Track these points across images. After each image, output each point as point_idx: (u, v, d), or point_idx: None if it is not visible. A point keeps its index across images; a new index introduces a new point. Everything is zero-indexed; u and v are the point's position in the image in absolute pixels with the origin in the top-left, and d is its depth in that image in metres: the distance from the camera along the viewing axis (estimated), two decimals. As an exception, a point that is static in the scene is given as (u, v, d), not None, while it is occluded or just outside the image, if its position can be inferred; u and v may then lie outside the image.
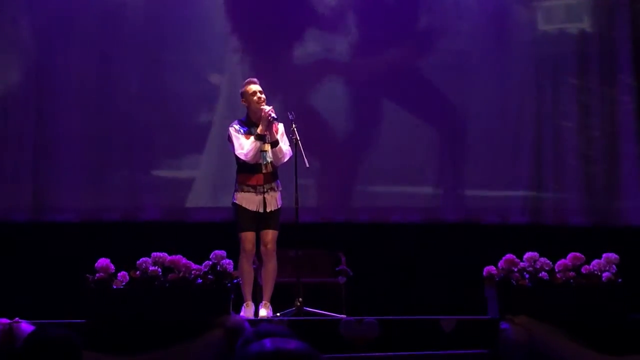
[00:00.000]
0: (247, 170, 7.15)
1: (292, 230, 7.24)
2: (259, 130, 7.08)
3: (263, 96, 7.23)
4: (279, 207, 7.17)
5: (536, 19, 9.66)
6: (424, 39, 9.56)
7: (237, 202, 7.15)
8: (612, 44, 9.55)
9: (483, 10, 9.56)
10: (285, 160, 7.22)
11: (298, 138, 7.21)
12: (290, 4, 9.51)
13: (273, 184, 7.17)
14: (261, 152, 7.13)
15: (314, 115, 9.33)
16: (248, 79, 7.41)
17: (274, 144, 7.13)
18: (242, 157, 7.10)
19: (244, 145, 7.11)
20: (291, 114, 7.33)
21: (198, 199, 9.11)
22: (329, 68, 9.41)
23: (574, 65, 9.54)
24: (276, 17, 9.38)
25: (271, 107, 7.14)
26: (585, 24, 9.62)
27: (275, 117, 7.10)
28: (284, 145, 7.19)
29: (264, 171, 7.14)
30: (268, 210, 7.11)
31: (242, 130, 7.16)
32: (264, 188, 7.11)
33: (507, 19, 9.60)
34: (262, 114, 7.08)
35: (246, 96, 7.27)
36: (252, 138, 7.10)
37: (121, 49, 9.14)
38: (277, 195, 7.19)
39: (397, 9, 9.52)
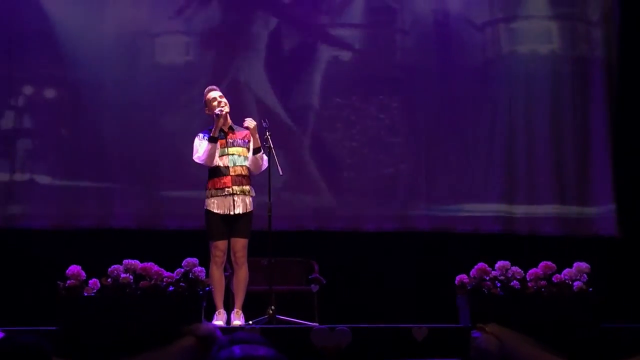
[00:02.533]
0: (215, 175, 7.20)
1: (264, 238, 7.24)
2: (212, 132, 7.15)
3: (224, 100, 7.29)
4: (248, 211, 7.17)
5: (509, 38, 9.75)
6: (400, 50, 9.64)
7: (207, 207, 7.18)
8: (584, 61, 9.65)
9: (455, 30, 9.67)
10: (263, 169, 7.27)
11: (272, 146, 7.24)
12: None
13: (244, 187, 7.17)
14: (228, 155, 7.17)
15: (286, 122, 9.35)
16: (208, 87, 7.45)
17: (256, 150, 7.17)
18: (197, 160, 7.25)
19: (199, 150, 7.22)
20: (265, 121, 7.35)
21: (169, 206, 9.08)
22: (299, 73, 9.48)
23: (546, 81, 9.62)
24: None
25: (226, 111, 7.21)
26: (555, 45, 9.72)
27: (219, 113, 7.13)
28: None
29: (231, 173, 7.17)
30: (236, 212, 7.11)
31: (206, 137, 7.21)
32: (232, 190, 7.13)
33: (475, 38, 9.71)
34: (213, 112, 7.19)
35: (208, 104, 7.35)
36: (205, 141, 7.14)
37: (96, 58, 9.12)
38: (249, 199, 7.20)
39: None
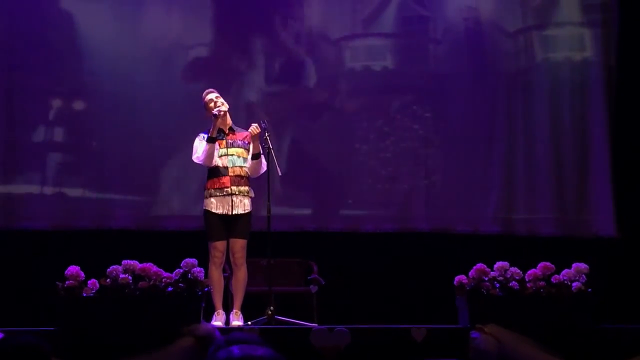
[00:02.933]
0: (214, 175, 7.22)
1: (264, 238, 7.24)
2: (210, 133, 7.16)
3: (220, 100, 7.32)
4: (246, 211, 7.18)
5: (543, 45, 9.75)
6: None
7: (206, 207, 7.19)
8: (585, 66, 9.66)
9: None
10: (262, 172, 7.28)
11: (271, 147, 7.25)
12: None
13: (242, 188, 7.18)
14: (227, 156, 7.18)
15: (287, 124, 9.37)
16: (206, 90, 7.46)
17: (256, 156, 7.18)
18: (196, 160, 7.28)
19: (198, 150, 7.24)
20: (264, 122, 7.36)
21: (169, 207, 9.09)
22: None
23: (546, 85, 9.63)
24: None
25: (223, 110, 7.22)
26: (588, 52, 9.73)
27: (216, 114, 7.14)
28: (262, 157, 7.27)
29: (229, 174, 7.17)
30: (235, 212, 7.11)
31: (205, 138, 7.22)
32: (230, 190, 7.13)
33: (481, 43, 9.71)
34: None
35: (206, 106, 7.37)
36: (204, 142, 7.14)
37: (91, 58, 9.12)
38: (247, 200, 7.20)
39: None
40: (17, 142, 8.99)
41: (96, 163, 9.06)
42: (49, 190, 8.99)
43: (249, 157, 7.26)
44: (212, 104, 7.30)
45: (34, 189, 8.98)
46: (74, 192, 9.01)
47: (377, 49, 9.70)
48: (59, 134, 9.21)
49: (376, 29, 9.73)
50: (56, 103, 9.17)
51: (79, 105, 9.17)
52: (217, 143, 7.21)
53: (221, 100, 7.33)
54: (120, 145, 9.03)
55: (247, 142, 7.27)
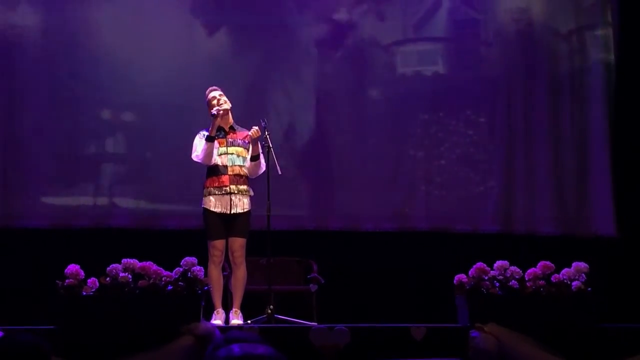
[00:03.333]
0: (213, 173, 7.22)
1: (263, 237, 7.24)
2: (209, 132, 7.16)
3: (223, 99, 7.31)
4: (245, 210, 7.17)
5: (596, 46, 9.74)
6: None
7: (204, 206, 7.20)
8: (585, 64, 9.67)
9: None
10: (261, 172, 7.29)
11: (271, 145, 7.24)
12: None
13: (241, 187, 7.18)
14: (227, 154, 7.18)
15: (288, 123, 9.36)
16: (209, 88, 7.45)
17: (255, 157, 7.18)
18: (195, 159, 7.27)
19: (197, 148, 7.24)
20: (263, 120, 7.36)
21: (169, 205, 9.09)
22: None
23: (546, 80, 9.62)
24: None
25: (223, 110, 7.22)
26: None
27: (215, 113, 7.14)
28: (261, 158, 7.26)
29: (229, 172, 7.18)
30: (233, 211, 7.11)
31: (205, 136, 7.22)
32: (229, 189, 7.14)
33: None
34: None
35: (208, 104, 7.36)
36: (203, 140, 7.14)
37: (93, 52, 9.12)
38: (246, 199, 7.20)
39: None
40: (70, 154, 9.02)
41: (149, 173, 9.11)
42: (102, 200, 9.03)
43: (248, 157, 7.26)
44: (214, 101, 7.29)
45: (87, 200, 9.01)
46: (126, 202, 9.04)
47: (428, 53, 9.68)
48: (110, 145, 9.24)
49: (427, 33, 9.71)
50: (107, 114, 9.19)
51: (129, 116, 9.19)
52: (216, 142, 7.20)
53: (224, 98, 7.32)
54: (170, 155, 8.99)
55: (247, 141, 7.27)
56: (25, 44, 9.05)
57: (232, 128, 7.30)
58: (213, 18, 9.38)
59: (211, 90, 7.41)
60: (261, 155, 7.26)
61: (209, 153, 7.16)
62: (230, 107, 7.32)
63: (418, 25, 9.69)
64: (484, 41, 9.73)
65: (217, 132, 7.21)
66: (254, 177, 7.33)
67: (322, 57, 9.50)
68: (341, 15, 9.59)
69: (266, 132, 7.27)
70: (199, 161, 7.25)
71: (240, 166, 7.22)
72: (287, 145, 9.22)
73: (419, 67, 9.63)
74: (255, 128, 7.17)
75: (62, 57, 9.05)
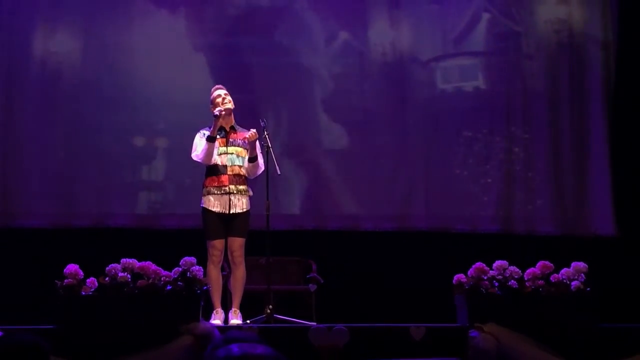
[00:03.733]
0: (213, 173, 7.21)
1: (263, 237, 7.24)
2: (210, 132, 7.15)
3: (228, 98, 7.29)
4: (244, 210, 7.17)
5: None
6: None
7: (204, 205, 7.19)
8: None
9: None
10: (259, 173, 7.28)
11: (270, 145, 7.24)
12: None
13: (241, 187, 7.18)
14: (227, 154, 7.17)
15: (286, 122, 9.36)
16: (215, 86, 7.45)
17: (253, 159, 7.18)
18: (195, 158, 7.26)
19: (197, 148, 7.23)
20: (263, 120, 7.36)
21: (168, 205, 9.09)
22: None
23: (545, 82, 9.63)
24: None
25: (225, 109, 7.21)
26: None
27: (217, 114, 7.13)
28: (260, 159, 7.25)
29: (228, 172, 7.17)
30: (232, 211, 7.11)
31: (206, 136, 7.21)
32: (229, 189, 7.13)
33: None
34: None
35: (212, 102, 7.33)
36: (204, 140, 7.14)
37: (94, 52, 9.13)
38: (246, 199, 7.20)
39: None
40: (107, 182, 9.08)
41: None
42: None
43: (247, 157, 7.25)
44: (218, 99, 7.28)
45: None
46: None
47: (468, 68, 9.65)
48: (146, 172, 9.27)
49: (467, 48, 9.68)
50: (140, 141, 9.23)
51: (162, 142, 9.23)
52: (217, 141, 7.19)
53: (228, 98, 7.30)
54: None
55: (247, 142, 7.26)
56: (64, 69, 9.09)
57: (232, 128, 7.30)
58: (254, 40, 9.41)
59: (217, 89, 7.40)
60: (259, 157, 7.25)
61: (209, 153, 7.15)
62: (232, 107, 7.31)
63: (458, 40, 9.65)
64: (526, 54, 9.65)
65: (217, 131, 7.20)
66: (252, 178, 7.33)
67: (358, 74, 9.50)
68: (377, 31, 9.55)
69: (265, 132, 7.27)
70: (198, 160, 7.24)
71: (240, 166, 7.21)
72: (287, 145, 9.23)
73: (460, 82, 9.59)
74: (253, 131, 7.16)
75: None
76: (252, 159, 7.21)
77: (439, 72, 9.58)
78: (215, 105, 7.28)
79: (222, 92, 7.34)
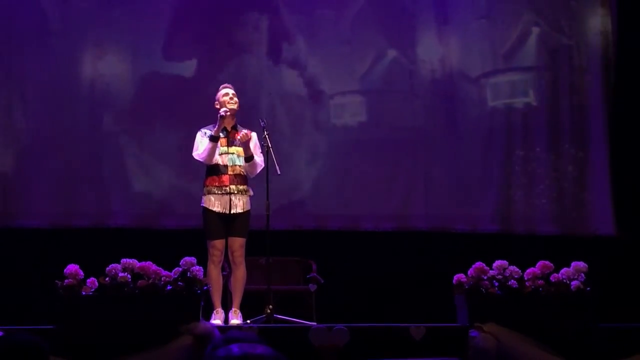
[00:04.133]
0: (213, 173, 7.20)
1: (263, 237, 7.24)
2: (214, 131, 7.14)
3: (235, 99, 7.29)
4: (245, 210, 7.17)
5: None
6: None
7: (204, 205, 7.19)
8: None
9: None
10: (258, 171, 7.27)
11: (270, 145, 7.23)
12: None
13: (241, 187, 7.17)
14: (228, 154, 7.17)
15: (284, 122, 9.36)
16: (223, 84, 7.43)
17: (249, 158, 7.17)
18: (196, 157, 7.24)
19: (199, 147, 7.21)
20: (263, 120, 7.36)
21: (168, 205, 9.09)
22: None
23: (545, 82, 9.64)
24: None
25: (231, 110, 7.22)
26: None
27: (223, 114, 7.12)
28: (258, 157, 7.23)
29: (229, 172, 7.17)
30: (233, 211, 7.11)
31: (208, 134, 7.20)
32: (229, 189, 7.13)
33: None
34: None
35: (219, 98, 7.31)
36: (206, 139, 7.13)
37: (92, 53, 9.13)
38: (246, 198, 7.20)
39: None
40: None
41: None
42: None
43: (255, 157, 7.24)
44: (225, 98, 7.27)
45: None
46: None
47: (519, 84, 9.60)
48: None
49: (518, 63, 9.64)
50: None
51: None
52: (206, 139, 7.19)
53: (235, 99, 7.29)
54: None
55: (238, 142, 7.26)
56: (112, 90, 9.13)
57: (234, 128, 7.28)
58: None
59: (225, 87, 7.38)
60: (257, 155, 7.24)
61: (212, 152, 7.14)
62: (237, 109, 7.30)
63: (508, 56, 9.61)
64: (578, 67, 9.61)
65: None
66: (252, 177, 7.32)
67: (411, 90, 9.49)
68: (426, 48, 9.54)
69: (265, 132, 7.26)
70: (200, 159, 7.23)
71: (241, 166, 7.21)
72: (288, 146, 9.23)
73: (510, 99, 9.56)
74: (244, 132, 7.14)
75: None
76: (248, 159, 7.19)
77: (489, 88, 9.55)
78: (221, 103, 7.26)
79: (230, 91, 7.33)
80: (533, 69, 9.66)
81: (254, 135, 7.32)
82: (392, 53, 9.53)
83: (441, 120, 9.50)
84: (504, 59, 9.60)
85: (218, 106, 7.30)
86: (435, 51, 9.53)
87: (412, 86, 9.52)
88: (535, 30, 9.62)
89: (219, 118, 7.16)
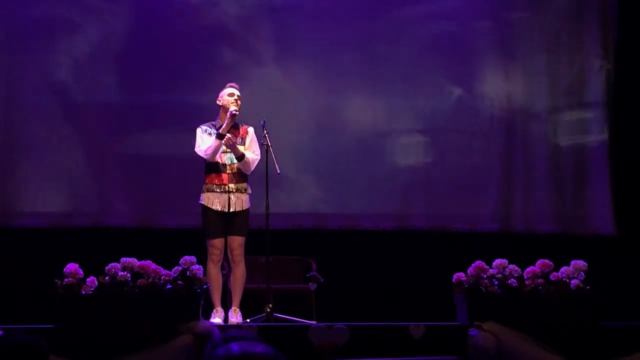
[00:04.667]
0: (212, 171, 7.21)
1: (262, 236, 7.24)
2: (221, 130, 7.13)
3: (239, 102, 7.27)
4: (244, 209, 7.17)
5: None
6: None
7: (202, 202, 7.19)
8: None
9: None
10: (254, 167, 7.26)
11: (269, 144, 7.23)
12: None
13: (240, 185, 7.18)
14: (226, 153, 7.19)
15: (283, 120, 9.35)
16: (230, 83, 7.42)
17: (240, 158, 7.16)
18: (200, 154, 7.22)
19: (202, 144, 7.21)
20: (262, 120, 7.35)
21: (166, 204, 9.09)
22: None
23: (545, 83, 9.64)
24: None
25: (236, 108, 7.21)
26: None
27: (234, 113, 7.13)
28: (250, 154, 7.23)
29: (228, 171, 7.18)
30: (232, 210, 7.11)
31: (209, 131, 7.21)
32: (228, 187, 7.13)
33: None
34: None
35: (223, 96, 7.30)
36: (212, 136, 7.13)
37: (91, 54, 9.12)
38: (245, 197, 7.20)
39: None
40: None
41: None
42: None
43: (247, 154, 7.23)
44: (231, 97, 7.25)
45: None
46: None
47: (585, 122, 9.54)
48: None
49: (582, 99, 9.59)
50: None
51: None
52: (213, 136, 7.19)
53: (239, 102, 7.27)
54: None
55: (243, 140, 7.27)
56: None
57: (233, 127, 7.28)
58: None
59: (231, 86, 7.36)
60: (251, 150, 7.23)
61: (216, 150, 7.14)
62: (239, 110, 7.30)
63: (571, 91, 9.55)
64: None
65: (218, 130, 7.19)
66: (249, 173, 7.30)
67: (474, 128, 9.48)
68: (491, 84, 9.51)
69: (265, 131, 7.27)
70: (204, 156, 7.20)
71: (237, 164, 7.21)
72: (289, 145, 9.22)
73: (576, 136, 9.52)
74: (228, 135, 7.14)
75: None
76: (239, 159, 7.18)
77: (557, 125, 9.51)
78: (225, 101, 7.25)
79: (236, 92, 7.30)
80: (600, 105, 9.60)
81: (250, 130, 7.33)
82: (457, 91, 9.47)
83: (441, 122, 9.48)
84: (570, 94, 9.52)
85: (220, 103, 7.30)
86: (502, 88, 9.51)
87: (476, 123, 9.51)
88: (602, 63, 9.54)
89: (227, 116, 7.14)
